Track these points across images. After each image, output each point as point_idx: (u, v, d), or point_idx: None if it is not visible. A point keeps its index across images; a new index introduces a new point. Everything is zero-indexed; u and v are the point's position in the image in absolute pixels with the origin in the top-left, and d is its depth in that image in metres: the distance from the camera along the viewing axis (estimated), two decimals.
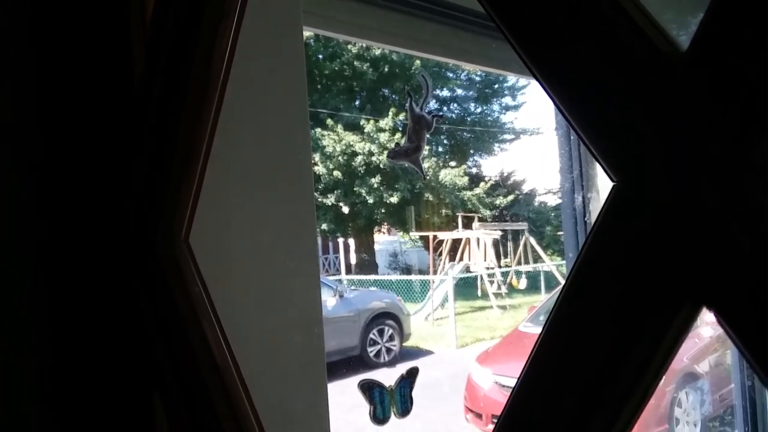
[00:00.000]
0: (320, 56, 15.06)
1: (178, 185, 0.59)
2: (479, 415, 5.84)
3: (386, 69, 15.45)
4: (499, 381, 5.71)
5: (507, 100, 18.09)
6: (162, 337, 0.56)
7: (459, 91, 17.41)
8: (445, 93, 17.29)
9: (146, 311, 0.57)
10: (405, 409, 1.20)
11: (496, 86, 17.73)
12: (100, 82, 0.66)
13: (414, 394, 1.23)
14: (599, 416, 0.39)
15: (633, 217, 0.38)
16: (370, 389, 1.20)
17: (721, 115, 0.34)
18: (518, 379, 0.44)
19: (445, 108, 17.48)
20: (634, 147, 0.38)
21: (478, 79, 17.26)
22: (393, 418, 1.21)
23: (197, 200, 0.64)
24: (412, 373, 1.23)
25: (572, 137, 2.42)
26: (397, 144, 1.34)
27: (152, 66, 0.62)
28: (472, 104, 17.74)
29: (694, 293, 0.36)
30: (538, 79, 0.41)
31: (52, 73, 0.68)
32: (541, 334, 0.42)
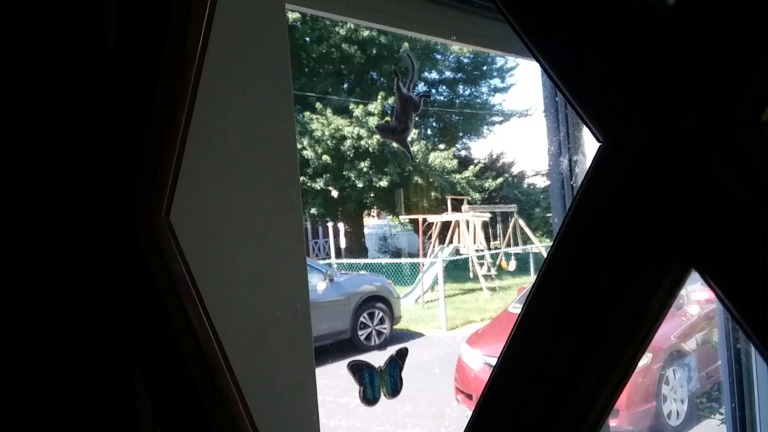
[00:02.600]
0: (307, 39, 14.93)
1: (154, 160, 0.57)
2: (470, 396, 5.89)
3: (374, 52, 15.35)
4: (489, 362, 5.75)
5: (496, 82, 18.06)
6: (141, 314, 0.54)
7: (447, 74, 17.35)
8: (434, 75, 17.23)
9: (124, 287, 0.55)
10: (395, 390, 1.20)
11: (485, 68, 17.67)
12: (71, 52, 0.64)
13: (404, 376, 1.22)
14: (586, 382, 0.38)
15: (620, 177, 0.37)
16: (359, 370, 1.19)
17: (709, 70, 0.33)
18: (505, 344, 0.42)
19: (433, 90, 17.42)
20: (620, 104, 0.36)
21: (466, 61, 17.20)
22: (383, 399, 1.21)
23: (177, 178, 0.62)
24: (402, 354, 1.23)
25: (558, 98, 2.41)
26: (387, 121, 1.32)
27: (125, 37, 0.60)
28: (461, 86, 17.69)
29: (682, 254, 0.35)
30: (521, 37, 0.40)
31: (19, 44, 0.66)
32: (527, 298, 0.41)
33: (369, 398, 1.17)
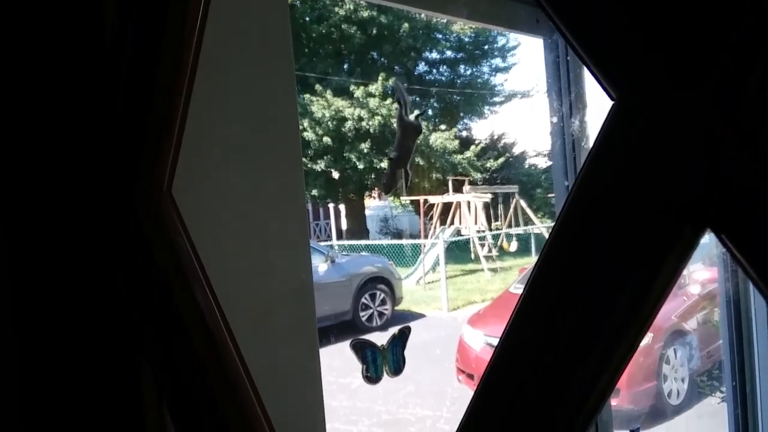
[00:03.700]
0: (307, 18, 14.79)
1: (155, 138, 0.57)
2: (471, 376, 5.92)
3: (374, 32, 15.22)
4: (490, 342, 5.77)
5: (497, 62, 17.91)
6: (145, 293, 0.54)
7: (448, 53, 17.20)
8: (434, 55, 17.09)
9: (127, 264, 0.54)
10: (397, 368, 1.20)
11: (486, 47, 17.52)
12: (70, 28, 0.63)
13: (406, 356, 1.22)
14: (596, 350, 0.38)
15: (632, 136, 0.36)
16: (362, 349, 1.19)
17: (727, 25, 0.32)
18: (508, 321, 0.42)
19: (434, 70, 17.29)
20: (634, 61, 0.35)
21: (467, 40, 17.04)
22: (385, 378, 1.21)
23: (178, 155, 0.62)
24: (404, 333, 1.23)
25: (561, 77, 2.38)
26: (379, 161, 1.32)
27: (125, 13, 0.59)
28: (462, 66, 17.55)
29: (695, 215, 0.34)
30: None
31: (19, 21, 0.64)
32: (537, 262, 0.40)
33: (372, 377, 1.18)
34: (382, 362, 1.20)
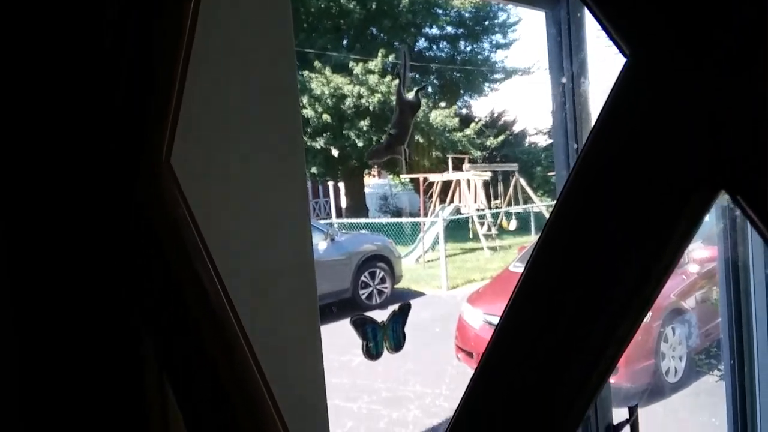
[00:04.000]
0: None
1: (154, 106, 0.55)
2: (470, 354, 5.96)
3: (374, 6, 15.05)
4: (489, 321, 5.80)
5: (498, 38, 17.75)
6: (144, 264, 0.52)
7: (448, 29, 17.02)
8: (434, 31, 16.92)
9: (126, 236, 0.53)
10: (398, 344, 1.20)
11: (487, 23, 17.35)
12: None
13: (406, 331, 1.22)
14: (598, 329, 0.36)
15: (646, 92, 0.34)
16: (362, 325, 1.19)
17: None
18: (514, 290, 0.40)
19: (434, 46, 17.14)
20: (648, 12, 0.33)
21: (468, 15, 16.87)
22: (385, 354, 1.21)
23: (176, 126, 0.60)
24: (404, 309, 1.22)
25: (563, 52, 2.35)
26: (378, 141, 1.30)
27: None
28: (462, 42, 17.38)
29: (710, 175, 0.32)
30: None
31: None
32: (542, 231, 0.38)
33: (372, 353, 1.17)
34: (382, 338, 1.20)
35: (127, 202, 0.53)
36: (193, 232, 0.52)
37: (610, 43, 0.36)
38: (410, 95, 1.30)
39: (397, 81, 1.28)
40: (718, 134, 0.32)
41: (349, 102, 14.21)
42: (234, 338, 0.51)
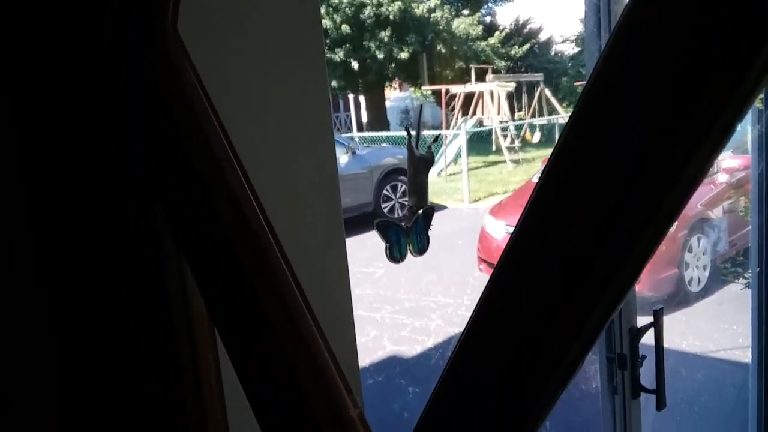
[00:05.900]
0: None
1: None
2: (492, 265, 6.01)
3: None
4: (511, 232, 5.80)
5: None
6: (157, 136, 0.49)
7: None
8: None
9: (135, 107, 0.49)
10: (421, 248, 1.18)
11: None
12: None
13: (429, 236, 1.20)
14: (621, 238, 0.32)
15: None
16: (386, 228, 1.17)
17: None
18: (531, 193, 0.37)
19: None
20: None
21: None
22: (408, 261, 1.19)
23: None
24: (427, 214, 1.19)
25: None
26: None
27: None
28: None
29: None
30: None
31: None
32: (567, 124, 0.34)
33: (396, 256, 1.16)
34: (405, 242, 1.18)
35: (133, 66, 0.49)
36: (203, 100, 0.48)
37: None
38: (422, 151, 1.23)
39: (408, 137, 1.20)
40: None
41: (368, 11, 13.73)
42: (253, 216, 0.48)
